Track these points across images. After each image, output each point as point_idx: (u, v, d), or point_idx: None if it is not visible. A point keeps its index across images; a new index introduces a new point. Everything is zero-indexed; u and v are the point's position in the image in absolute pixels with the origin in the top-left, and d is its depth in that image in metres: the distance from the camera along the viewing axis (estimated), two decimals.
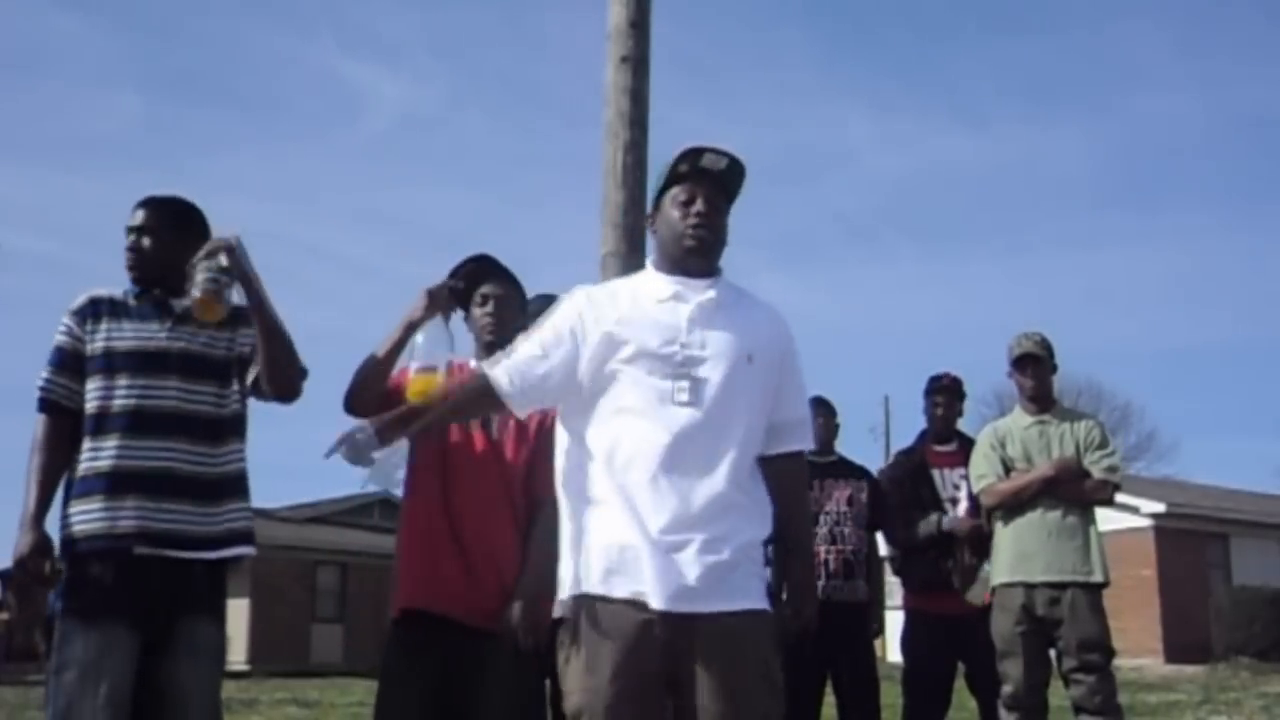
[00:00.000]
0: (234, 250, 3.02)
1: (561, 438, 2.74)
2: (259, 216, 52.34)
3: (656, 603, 2.47)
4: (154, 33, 53.56)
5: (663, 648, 2.47)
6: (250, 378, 3.16)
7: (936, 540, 5.15)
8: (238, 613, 25.96)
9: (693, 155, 2.69)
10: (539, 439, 3.38)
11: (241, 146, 55.83)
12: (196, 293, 2.98)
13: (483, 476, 3.32)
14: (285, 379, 3.13)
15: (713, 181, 2.70)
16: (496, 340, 3.41)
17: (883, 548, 5.49)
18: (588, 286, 2.77)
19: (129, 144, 47.94)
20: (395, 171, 58.92)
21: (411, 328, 3.26)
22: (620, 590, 2.50)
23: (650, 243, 2.84)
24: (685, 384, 2.56)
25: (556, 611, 2.63)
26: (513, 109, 60.49)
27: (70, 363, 3.13)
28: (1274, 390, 60.69)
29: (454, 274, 3.46)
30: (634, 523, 2.51)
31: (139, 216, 3.21)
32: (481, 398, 2.73)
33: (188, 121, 52.27)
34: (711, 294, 2.66)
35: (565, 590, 2.61)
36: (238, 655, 25.46)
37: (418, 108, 57.35)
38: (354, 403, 3.21)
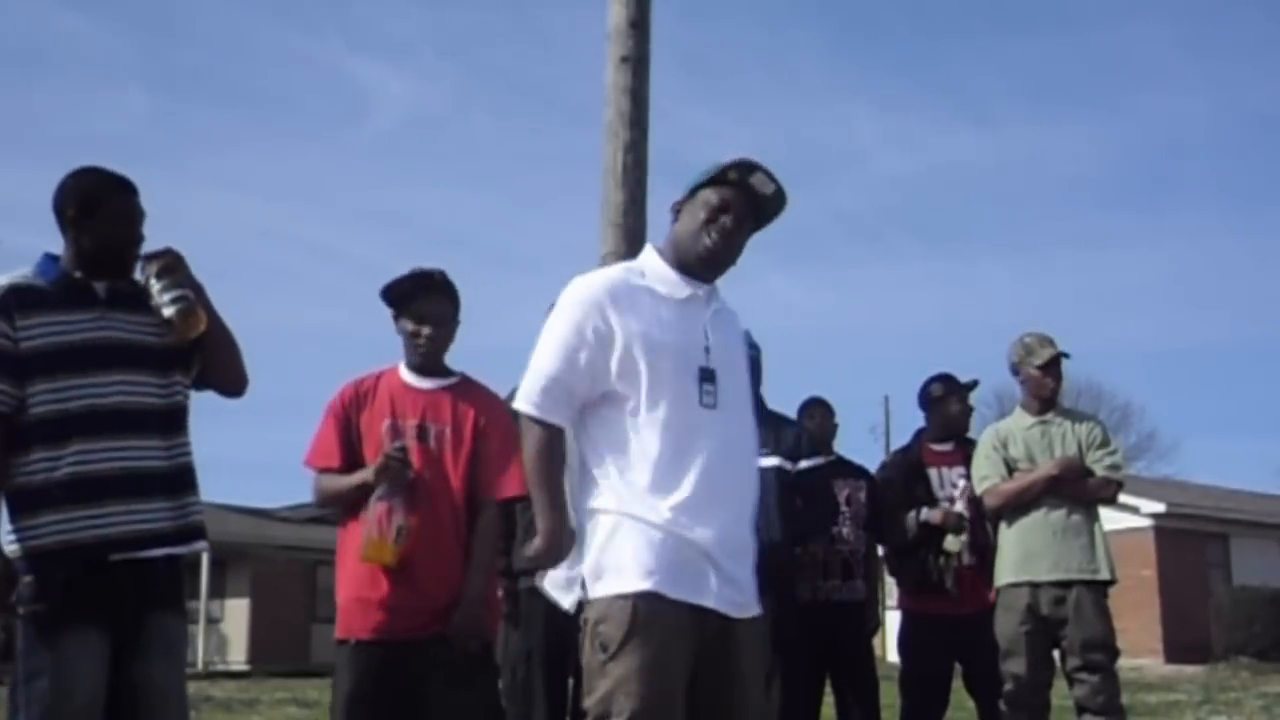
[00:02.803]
0: (183, 264, 2.99)
1: (590, 435, 2.63)
2: (264, 215, 52.49)
3: (714, 605, 2.51)
4: (160, 30, 53.56)
5: (708, 650, 2.50)
6: (194, 371, 3.12)
7: (923, 537, 5.14)
8: (238, 613, 25.94)
9: (746, 167, 2.65)
10: (475, 441, 3.43)
11: (247, 145, 55.71)
12: (170, 312, 2.94)
13: (424, 488, 3.36)
14: (236, 377, 3.18)
15: (753, 201, 2.67)
16: (426, 362, 3.47)
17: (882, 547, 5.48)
18: (598, 280, 2.66)
19: (134, 142, 47.71)
20: (400, 170, 58.96)
21: (366, 486, 3.37)
22: (680, 593, 2.48)
23: (667, 229, 2.77)
24: (711, 387, 2.59)
25: (600, 605, 2.52)
26: (518, 108, 60.49)
27: (3, 364, 2.89)
28: (1274, 390, 60.80)
29: (393, 288, 3.48)
30: (685, 527, 2.51)
31: (138, 201, 3.12)
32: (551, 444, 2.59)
33: (194, 119, 52.15)
34: (718, 302, 2.74)
35: (610, 586, 2.50)
36: (238, 655, 25.45)
37: (424, 107, 57.34)
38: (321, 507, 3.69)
